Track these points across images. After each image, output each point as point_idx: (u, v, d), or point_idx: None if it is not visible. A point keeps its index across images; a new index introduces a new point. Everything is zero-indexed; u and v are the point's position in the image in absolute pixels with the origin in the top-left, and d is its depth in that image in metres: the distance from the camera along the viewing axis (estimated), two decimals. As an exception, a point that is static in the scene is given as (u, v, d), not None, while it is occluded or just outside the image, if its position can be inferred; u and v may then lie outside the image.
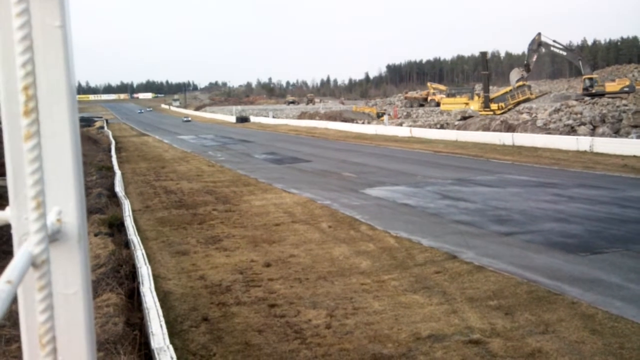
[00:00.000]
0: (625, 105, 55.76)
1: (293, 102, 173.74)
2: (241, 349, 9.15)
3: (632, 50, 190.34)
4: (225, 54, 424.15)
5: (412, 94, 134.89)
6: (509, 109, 74.63)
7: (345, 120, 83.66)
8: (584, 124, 45.70)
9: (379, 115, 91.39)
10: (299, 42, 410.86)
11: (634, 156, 32.66)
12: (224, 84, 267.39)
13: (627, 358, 8.14)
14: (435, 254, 14.34)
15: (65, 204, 0.99)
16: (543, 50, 73.39)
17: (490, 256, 13.93)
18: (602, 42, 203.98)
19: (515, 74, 74.37)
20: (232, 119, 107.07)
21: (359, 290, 11.91)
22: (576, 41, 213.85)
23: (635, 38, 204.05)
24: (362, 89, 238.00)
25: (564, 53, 75.45)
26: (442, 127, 64.05)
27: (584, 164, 31.65)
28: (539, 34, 71.08)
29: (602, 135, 41.52)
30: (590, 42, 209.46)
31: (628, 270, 12.44)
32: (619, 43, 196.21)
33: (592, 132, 43.36)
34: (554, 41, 72.31)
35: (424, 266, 13.40)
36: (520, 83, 74.02)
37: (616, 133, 41.97)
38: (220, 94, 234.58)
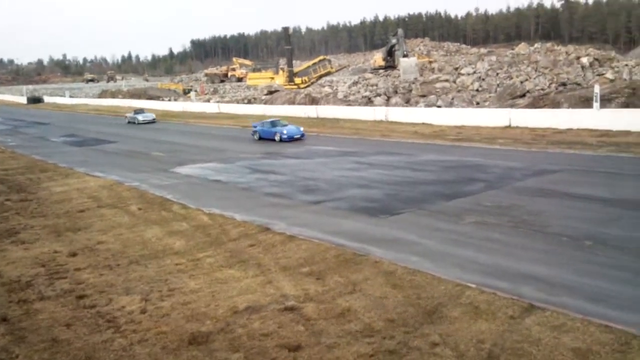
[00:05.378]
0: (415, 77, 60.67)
1: (92, 80, 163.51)
2: (48, 347, 8.55)
3: (418, 25, 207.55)
4: (9, 29, 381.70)
5: (212, 70, 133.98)
6: (312, 83, 77.46)
7: (150, 97, 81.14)
8: (379, 95, 48.89)
9: (186, 92, 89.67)
10: (94, 15, 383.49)
11: (423, 123, 35.89)
12: (11, 62, 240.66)
13: (424, 306, 9.04)
14: (249, 228, 14.56)
15: None
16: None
17: (301, 225, 14.50)
18: (392, 18, 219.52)
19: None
20: (23, 99, 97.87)
21: (174, 271, 11.71)
22: (369, 18, 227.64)
23: (420, 14, 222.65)
24: (167, 65, 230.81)
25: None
26: (249, 102, 64.54)
27: (381, 133, 34.02)
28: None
29: (396, 105, 44.82)
30: (381, 18, 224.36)
31: (422, 227, 13.75)
32: (406, 19, 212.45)
33: (387, 103, 46.60)
34: None
35: (239, 241, 13.55)
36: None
37: (407, 102, 45.55)
38: (6, 73, 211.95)
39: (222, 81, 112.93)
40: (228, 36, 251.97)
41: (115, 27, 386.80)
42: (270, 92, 66.00)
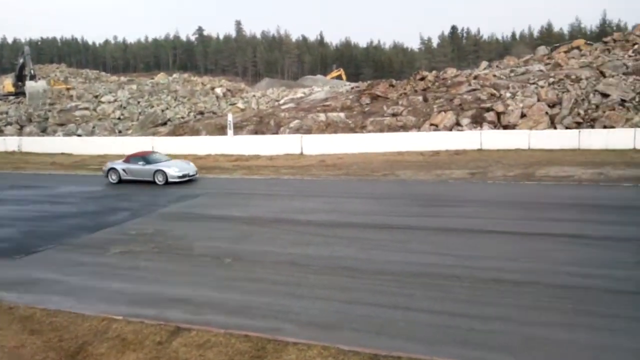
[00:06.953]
0: (52, 104, 56.96)
1: None
2: None
3: (53, 50, 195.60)
4: None
5: None
6: None
7: None
8: (10, 124, 44.63)
9: None
10: None
11: (62, 153, 33.92)
12: None
13: (67, 348, 8.47)
14: None
15: None
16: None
17: None
18: (23, 40, 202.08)
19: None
20: None
21: None
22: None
23: (54, 39, 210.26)
24: None
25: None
26: None
27: (15, 165, 31.10)
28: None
29: (30, 134, 41.48)
30: (10, 40, 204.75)
31: (64, 264, 12.89)
32: (39, 43, 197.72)
33: (20, 132, 42.83)
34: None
35: None
36: None
37: (44, 132, 42.57)
38: None
39: None
40: None
41: None
42: None
